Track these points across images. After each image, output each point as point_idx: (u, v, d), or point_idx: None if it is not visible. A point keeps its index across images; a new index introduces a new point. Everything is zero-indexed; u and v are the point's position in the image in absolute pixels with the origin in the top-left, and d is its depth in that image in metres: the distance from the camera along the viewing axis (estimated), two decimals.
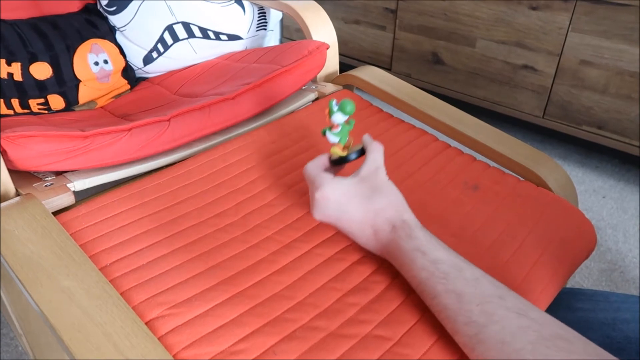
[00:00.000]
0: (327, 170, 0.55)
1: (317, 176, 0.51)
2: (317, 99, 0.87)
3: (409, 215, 0.49)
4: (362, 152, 0.55)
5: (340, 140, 0.55)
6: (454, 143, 0.76)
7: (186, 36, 1.00)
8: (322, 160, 0.56)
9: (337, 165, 0.56)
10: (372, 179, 0.51)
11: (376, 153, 0.52)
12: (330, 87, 0.88)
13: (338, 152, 0.55)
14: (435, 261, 0.45)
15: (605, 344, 0.56)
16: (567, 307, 0.62)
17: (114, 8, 0.94)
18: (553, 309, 0.56)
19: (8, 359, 0.83)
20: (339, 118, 0.54)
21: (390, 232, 0.48)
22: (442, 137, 0.77)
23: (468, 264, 0.45)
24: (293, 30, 1.92)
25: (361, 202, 0.49)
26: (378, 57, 1.72)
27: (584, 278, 1.02)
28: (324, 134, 0.56)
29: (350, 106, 0.53)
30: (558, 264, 0.56)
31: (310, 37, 0.90)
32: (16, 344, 0.85)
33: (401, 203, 0.50)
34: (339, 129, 0.55)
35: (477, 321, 0.40)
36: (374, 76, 0.88)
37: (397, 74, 1.67)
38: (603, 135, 1.32)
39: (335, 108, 0.54)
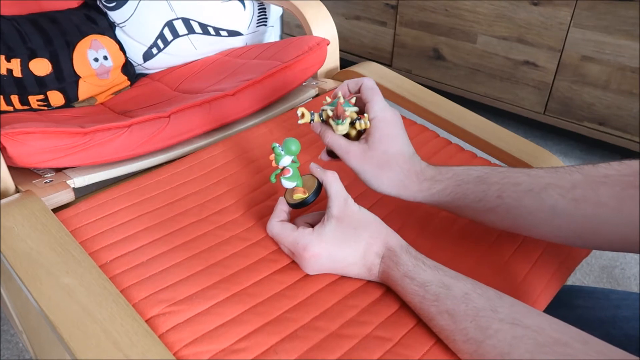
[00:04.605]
0: (289, 217, 0.53)
1: (296, 236, 0.49)
2: (317, 95, 0.86)
3: (393, 240, 0.48)
4: (319, 188, 0.52)
5: (297, 183, 0.52)
6: (454, 139, 0.75)
7: (186, 32, 0.99)
8: (282, 214, 0.53)
9: (298, 208, 0.53)
10: (348, 215, 0.49)
11: (335, 184, 0.50)
12: (330, 83, 0.88)
13: (300, 195, 0.52)
14: (424, 284, 0.44)
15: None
16: (566, 304, 0.62)
17: (114, 4, 0.94)
18: (552, 307, 0.56)
19: (8, 356, 0.83)
20: (287, 161, 0.51)
21: (380, 264, 0.48)
22: (443, 134, 0.76)
23: (457, 278, 0.44)
24: (293, 26, 1.91)
25: (348, 246, 0.48)
26: (378, 53, 1.72)
27: (584, 275, 1.02)
28: (273, 181, 0.53)
29: (294, 145, 0.50)
30: (559, 262, 0.56)
31: (311, 33, 0.90)
32: (17, 340, 0.85)
33: (382, 229, 0.49)
34: (291, 172, 0.52)
35: (474, 338, 0.40)
36: (375, 72, 0.88)
37: (398, 70, 1.66)
38: (604, 132, 1.32)
39: (281, 152, 0.50)
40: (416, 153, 0.54)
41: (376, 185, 0.54)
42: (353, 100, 0.56)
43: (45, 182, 0.60)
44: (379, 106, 0.53)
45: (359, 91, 0.56)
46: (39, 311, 0.43)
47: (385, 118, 0.53)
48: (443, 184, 0.51)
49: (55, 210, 0.56)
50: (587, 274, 1.02)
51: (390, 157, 0.52)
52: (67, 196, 0.59)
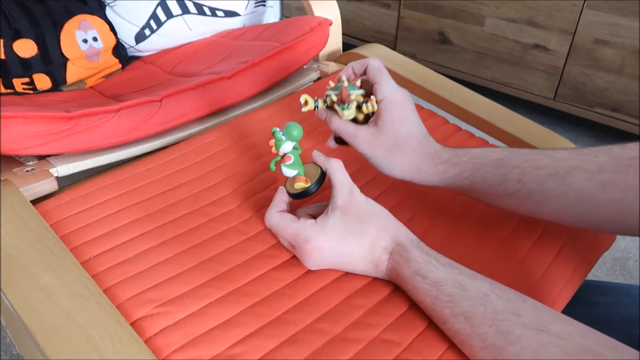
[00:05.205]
0: (289, 208, 0.49)
1: (297, 228, 0.45)
2: (319, 78, 0.82)
3: (403, 235, 0.45)
4: (322, 177, 0.48)
5: (299, 172, 0.49)
6: (464, 125, 0.71)
7: (180, 12, 0.94)
8: (282, 204, 0.49)
9: (299, 199, 0.49)
10: (353, 206, 0.45)
11: (340, 173, 0.47)
12: (332, 66, 0.84)
13: (302, 185, 0.48)
14: (437, 283, 0.41)
15: (627, 343, 0.52)
16: (585, 301, 0.58)
17: None
18: (570, 305, 0.52)
19: None
20: (288, 147, 0.47)
21: (388, 259, 0.44)
22: (453, 119, 0.72)
23: (473, 277, 0.41)
24: (293, 9, 1.86)
25: (354, 239, 0.44)
26: (382, 36, 1.66)
27: (597, 267, 0.98)
28: (273, 169, 0.50)
29: (297, 130, 0.47)
30: (580, 257, 0.52)
31: (312, 14, 0.85)
32: (4, 335, 0.82)
33: (390, 222, 0.46)
34: (292, 159, 0.48)
35: (494, 344, 0.37)
36: (379, 55, 0.84)
37: (402, 54, 1.61)
38: (617, 118, 1.27)
39: (282, 137, 0.47)
40: (429, 135, 0.51)
41: (388, 170, 0.50)
42: (358, 83, 0.52)
43: (27, 171, 0.56)
44: (387, 87, 0.50)
45: (364, 73, 0.52)
46: (14, 314, 0.40)
47: (395, 99, 0.49)
48: (460, 168, 0.48)
49: (38, 200, 0.52)
50: (599, 265, 0.99)
51: (402, 139, 0.49)
52: (49, 186, 0.55)
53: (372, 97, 0.50)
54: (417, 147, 0.49)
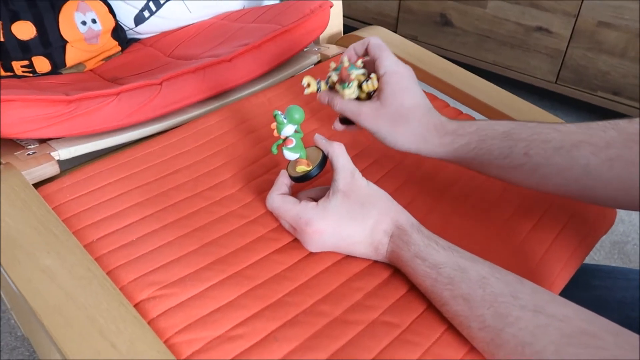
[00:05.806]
0: (291, 190, 0.49)
1: (299, 211, 0.45)
2: (320, 61, 0.82)
3: (403, 218, 0.45)
4: (324, 160, 0.48)
5: (300, 155, 0.48)
6: (465, 109, 0.71)
7: None
8: (283, 187, 0.49)
9: (300, 182, 0.49)
10: (355, 190, 0.45)
11: (342, 157, 0.46)
12: (333, 49, 0.83)
13: (304, 168, 0.48)
14: (436, 266, 0.41)
15: (624, 326, 0.53)
16: (583, 285, 0.59)
17: None
18: (568, 288, 0.53)
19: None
20: (289, 130, 0.47)
21: (388, 243, 0.45)
22: (453, 103, 0.72)
23: (473, 260, 0.41)
24: None
25: (355, 223, 0.45)
26: (383, 18, 1.65)
27: (595, 251, 0.99)
28: (275, 152, 0.49)
29: (298, 113, 0.47)
30: (578, 241, 0.53)
31: None
32: (8, 317, 0.83)
33: (391, 206, 0.46)
34: (294, 142, 0.48)
35: (492, 325, 0.37)
36: (380, 37, 0.82)
37: (403, 37, 1.60)
38: (619, 102, 1.26)
39: (283, 120, 0.47)
40: (433, 107, 0.51)
41: (393, 142, 0.51)
42: (359, 64, 0.52)
43: (28, 154, 0.56)
44: (388, 61, 0.50)
45: (367, 53, 0.53)
46: (18, 295, 0.40)
47: (397, 71, 0.50)
48: (466, 139, 0.48)
49: (39, 184, 0.52)
50: (598, 249, 0.99)
51: (407, 110, 0.49)
52: (51, 169, 0.55)
53: (372, 75, 0.50)
54: (422, 118, 0.49)
